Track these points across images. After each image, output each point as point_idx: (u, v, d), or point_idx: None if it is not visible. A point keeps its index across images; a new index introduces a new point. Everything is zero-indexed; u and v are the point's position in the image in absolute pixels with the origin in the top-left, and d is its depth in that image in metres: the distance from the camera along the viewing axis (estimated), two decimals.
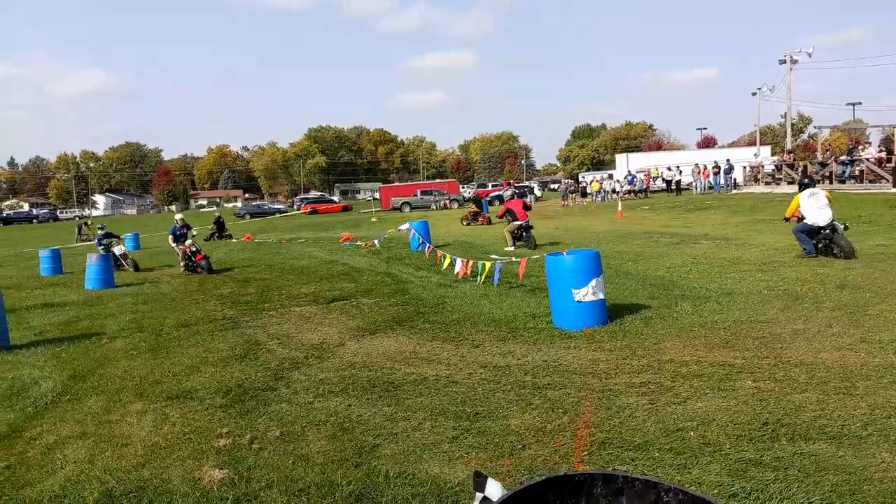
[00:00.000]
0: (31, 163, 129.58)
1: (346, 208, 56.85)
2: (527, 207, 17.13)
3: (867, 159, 26.75)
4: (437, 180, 73.35)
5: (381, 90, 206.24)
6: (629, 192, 39.33)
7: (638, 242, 15.93)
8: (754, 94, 47.22)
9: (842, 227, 11.39)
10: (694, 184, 38.58)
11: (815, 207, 11.42)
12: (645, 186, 39.72)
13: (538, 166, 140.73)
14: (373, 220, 38.32)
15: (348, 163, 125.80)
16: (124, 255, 17.58)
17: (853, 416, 4.41)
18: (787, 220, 12.58)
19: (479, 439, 4.46)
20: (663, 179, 41.07)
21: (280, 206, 65.21)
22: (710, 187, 36.92)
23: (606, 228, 21.33)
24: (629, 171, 43.59)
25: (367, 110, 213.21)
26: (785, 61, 40.10)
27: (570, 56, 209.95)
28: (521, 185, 58.81)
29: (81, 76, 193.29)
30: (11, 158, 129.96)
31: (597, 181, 43.59)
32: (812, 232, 11.52)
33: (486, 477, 1.73)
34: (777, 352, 6.06)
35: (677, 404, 4.86)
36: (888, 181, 24.91)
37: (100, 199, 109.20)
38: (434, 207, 46.57)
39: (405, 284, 11.82)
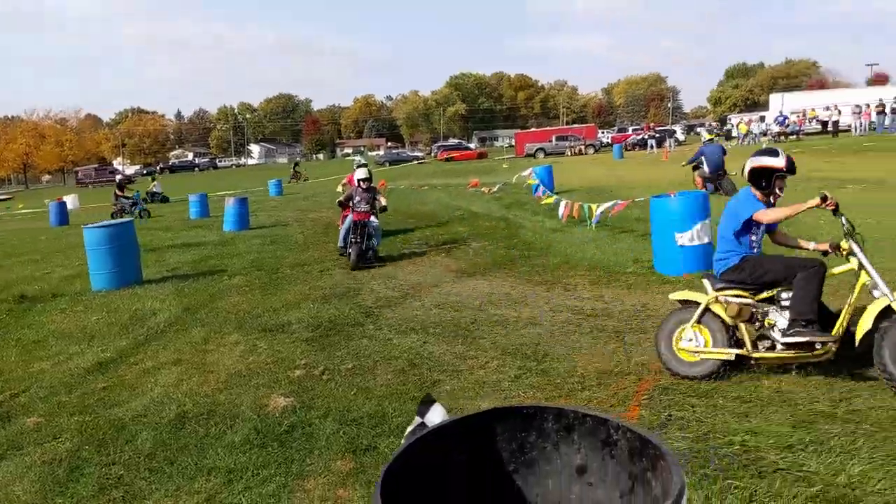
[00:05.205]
0: (195, 114, 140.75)
1: (481, 155, 56.82)
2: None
3: None
4: (576, 125, 71.12)
5: (524, 34, 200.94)
6: (780, 134, 36.04)
7: None
8: None
9: None
10: (853, 125, 34.79)
11: None
12: (798, 128, 36.32)
13: (686, 109, 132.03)
14: (504, 166, 38.00)
15: (487, 109, 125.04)
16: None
17: None
18: None
19: (539, 379, 4.34)
20: (818, 121, 37.33)
21: (418, 154, 66.44)
22: (872, 128, 33.24)
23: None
24: (780, 112, 39.81)
25: (508, 55, 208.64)
26: None
27: None
28: (662, 128, 55.51)
29: (245, 35, 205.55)
30: (178, 111, 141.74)
31: (744, 123, 40.21)
32: None
33: (434, 402, 1.63)
34: None
35: None
36: None
37: (255, 149, 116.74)
38: (568, 153, 45.34)
39: (518, 229, 11.65)
